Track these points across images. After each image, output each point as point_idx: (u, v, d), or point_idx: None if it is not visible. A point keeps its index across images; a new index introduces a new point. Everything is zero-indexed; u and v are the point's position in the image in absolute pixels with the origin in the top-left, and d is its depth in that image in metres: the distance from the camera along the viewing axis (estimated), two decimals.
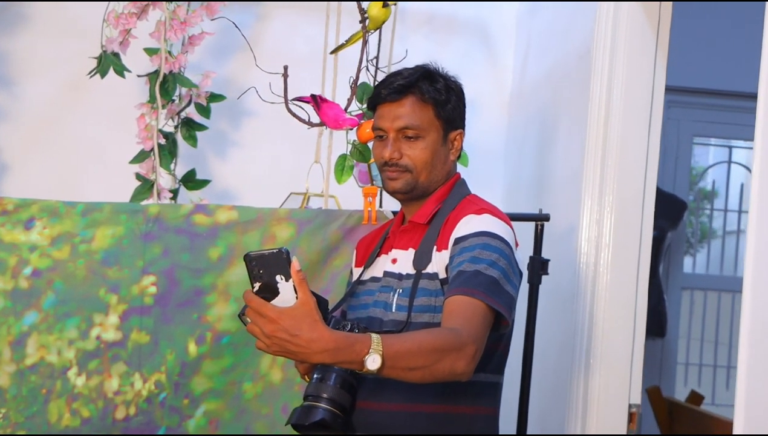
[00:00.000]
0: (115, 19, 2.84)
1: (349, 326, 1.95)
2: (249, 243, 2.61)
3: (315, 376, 1.97)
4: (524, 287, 2.30)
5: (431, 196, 2.17)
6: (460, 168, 2.27)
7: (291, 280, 1.74)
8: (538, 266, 2.72)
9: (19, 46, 3.28)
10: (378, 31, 2.90)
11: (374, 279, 2.20)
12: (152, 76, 2.92)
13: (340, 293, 2.49)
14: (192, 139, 3.03)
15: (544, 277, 2.73)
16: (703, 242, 5.86)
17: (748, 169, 5.70)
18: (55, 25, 3.30)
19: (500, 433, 2.18)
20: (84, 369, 2.56)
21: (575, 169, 2.96)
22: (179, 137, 3.02)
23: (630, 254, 2.83)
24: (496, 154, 3.61)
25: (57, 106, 3.34)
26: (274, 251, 1.74)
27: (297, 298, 1.74)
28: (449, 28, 3.59)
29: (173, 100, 2.97)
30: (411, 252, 2.14)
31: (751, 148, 5.71)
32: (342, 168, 2.82)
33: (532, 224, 2.76)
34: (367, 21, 2.83)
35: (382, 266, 2.20)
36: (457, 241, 2.05)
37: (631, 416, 2.81)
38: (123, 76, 2.92)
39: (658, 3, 2.84)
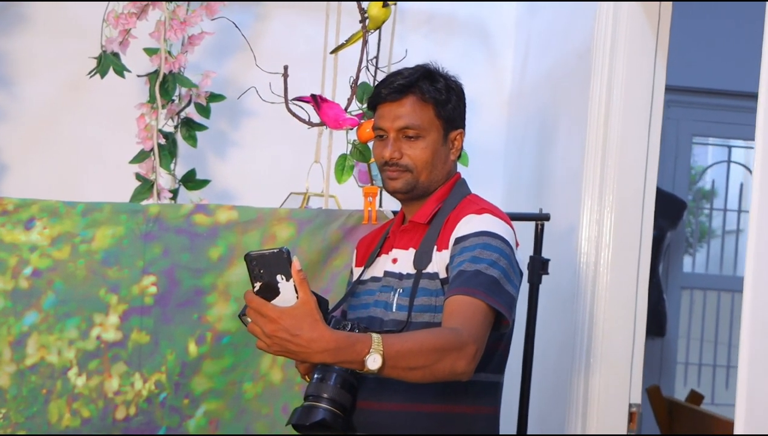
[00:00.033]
0: (114, 19, 2.84)
1: (349, 326, 1.95)
2: (249, 243, 2.61)
3: (315, 376, 1.97)
4: (524, 287, 2.30)
5: (431, 196, 2.17)
6: (460, 168, 2.27)
7: (291, 279, 1.74)
8: (539, 265, 2.72)
9: (19, 46, 3.28)
10: (378, 30, 2.90)
11: (374, 279, 2.20)
12: (152, 76, 2.92)
13: (340, 293, 2.49)
14: (192, 139, 3.03)
15: (544, 277, 2.73)
16: (703, 242, 5.86)
17: (748, 169, 5.70)
18: (55, 25, 3.30)
19: (500, 433, 2.18)
20: (84, 369, 2.56)
21: (575, 169, 2.96)
22: (179, 137, 3.03)
23: (630, 253, 2.83)
24: (496, 154, 3.61)
25: (57, 106, 3.34)
26: (275, 250, 1.74)
27: (298, 297, 1.74)
28: (449, 27, 3.59)
29: (173, 100, 2.97)
30: (411, 252, 2.14)
31: (751, 147, 5.72)
32: (342, 168, 2.82)
33: (532, 224, 2.76)
34: (367, 21, 2.83)
35: (382, 265, 2.20)
36: (458, 240, 2.05)
37: (631, 415, 2.82)
38: (123, 76, 2.92)
39: (657, 3, 2.84)
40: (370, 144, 2.67)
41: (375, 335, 1.78)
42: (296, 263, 1.74)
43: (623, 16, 2.82)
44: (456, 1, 3.55)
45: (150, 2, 2.85)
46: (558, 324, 2.99)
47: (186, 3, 2.89)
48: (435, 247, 2.10)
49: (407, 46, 3.02)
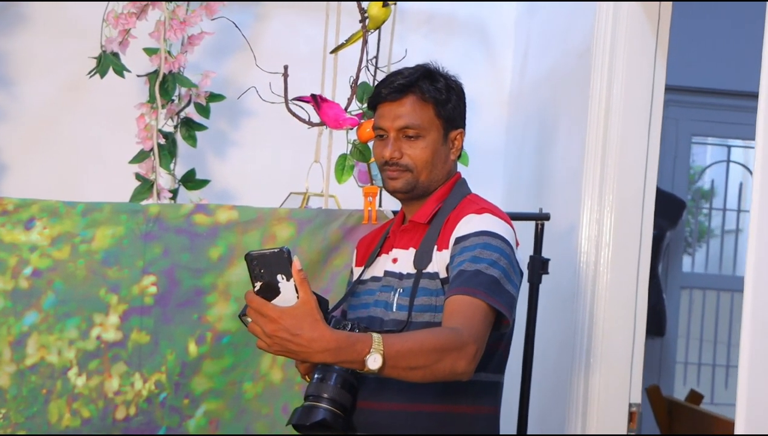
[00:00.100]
0: (114, 19, 2.84)
1: (349, 326, 1.95)
2: (249, 243, 2.61)
3: (316, 376, 1.97)
4: (524, 287, 2.30)
5: (432, 196, 2.17)
6: (460, 167, 2.27)
7: (292, 279, 1.74)
8: (539, 265, 2.72)
9: (19, 46, 3.28)
10: (377, 30, 2.90)
11: (375, 279, 2.20)
12: (152, 76, 2.92)
13: (340, 293, 2.49)
14: (191, 139, 3.03)
15: (544, 276, 2.73)
16: (702, 242, 5.86)
17: (747, 169, 5.70)
18: (55, 25, 3.30)
19: (500, 433, 2.18)
20: (84, 369, 2.55)
21: (575, 169, 2.97)
22: (179, 137, 3.02)
23: (630, 253, 2.83)
24: (496, 153, 3.61)
25: (56, 106, 3.34)
26: (275, 250, 1.74)
27: (298, 297, 1.74)
28: (448, 27, 3.59)
29: (173, 100, 2.97)
30: (411, 252, 2.14)
31: (749, 147, 5.73)
32: (342, 168, 2.82)
33: (532, 224, 2.76)
34: (367, 20, 2.83)
35: (382, 265, 2.20)
36: (458, 240, 2.05)
37: (631, 415, 2.82)
38: (122, 76, 2.92)
39: (657, 2, 2.84)
40: (370, 144, 2.67)
41: (375, 335, 1.78)
42: (297, 263, 1.74)
43: (623, 16, 2.82)
44: (456, 1, 3.55)
45: (150, 2, 2.85)
46: (558, 324, 2.99)
47: (186, 3, 2.89)
48: (435, 246, 2.10)
49: (407, 46, 3.02)
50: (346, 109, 2.82)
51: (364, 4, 2.84)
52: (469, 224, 2.06)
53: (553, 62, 3.30)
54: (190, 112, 3.03)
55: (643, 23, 2.83)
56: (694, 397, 4.26)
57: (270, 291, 1.74)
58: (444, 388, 2.02)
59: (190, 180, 3.04)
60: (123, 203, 2.68)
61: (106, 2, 2.85)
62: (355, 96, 2.85)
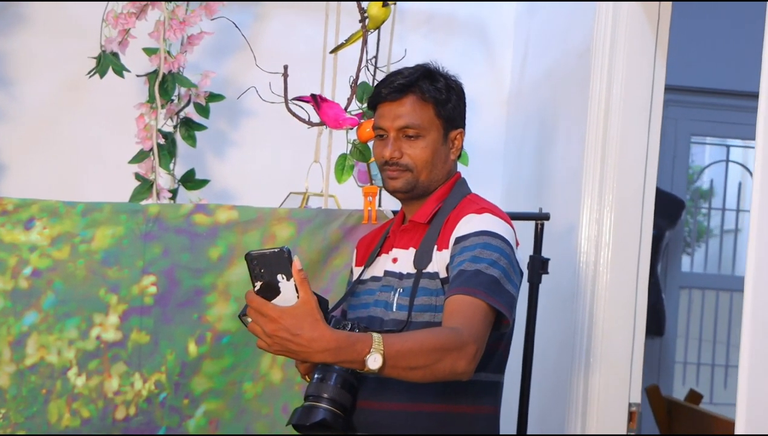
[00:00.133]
0: (114, 19, 2.84)
1: (349, 326, 1.95)
2: (249, 243, 2.61)
3: (316, 376, 1.97)
4: (524, 287, 2.30)
5: (432, 196, 2.17)
6: (460, 167, 2.27)
7: (292, 279, 1.74)
8: (538, 265, 2.72)
9: (18, 46, 3.28)
10: (377, 30, 2.90)
11: (375, 278, 2.20)
12: (151, 76, 2.92)
13: (340, 293, 2.49)
14: (191, 139, 3.03)
15: (544, 276, 2.73)
16: (701, 241, 5.86)
17: (746, 168, 5.71)
18: (54, 25, 3.30)
19: (500, 433, 2.18)
20: (84, 369, 2.55)
21: (575, 168, 2.97)
22: (178, 137, 3.02)
23: (630, 252, 2.83)
24: (495, 153, 3.62)
25: (56, 106, 3.34)
26: (276, 250, 1.74)
27: (298, 297, 1.74)
28: (448, 27, 3.59)
29: (172, 100, 2.97)
30: (411, 251, 2.14)
31: (748, 147, 5.73)
32: (342, 168, 2.82)
33: (531, 223, 2.76)
34: (367, 20, 2.83)
35: (382, 265, 2.20)
36: (458, 240, 2.05)
37: (631, 415, 2.82)
38: (122, 76, 2.92)
39: (657, 2, 2.84)
40: (370, 144, 2.67)
41: (375, 335, 1.78)
42: (297, 263, 1.74)
43: (623, 16, 2.82)
44: (455, 0, 3.55)
45: (149, 2, 2.85)
46: (558, 324, 2.99)
47: (185, 3, 2.89)
48: (435, 246, 2.10)
49: (407, 45, 3.02)
50: (345, 109, 2.82)
51: (364, 4, 2.84)
52: (469, 224, 2.06)
53: (552, 62, 3.30)
54: (190, 112, 3.03)
55: (642, 23, 2.84)
56: (694, 397, 4.26)
57: (270, 291, 1.74)
58: (444, 388, 2.02)
59: (190, 180, 3.04)
60: (123, 203, 2.68)
61: (105, 2, 2.85)
62: (354, 96, 2.85)
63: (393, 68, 2.62)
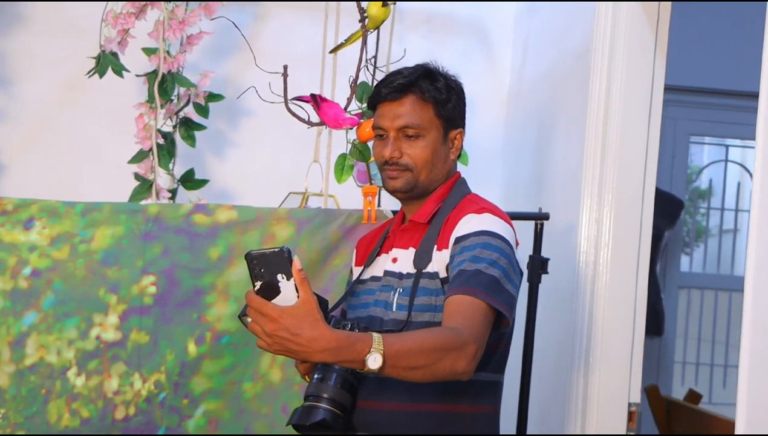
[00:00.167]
0: (113, 18, 2.84)
1: (349, 326, 1.95)
2: (249, 243, 2.61)
3: (315, 376, 1.97)
4: (524, 286, 2.30)
5: (431, 196, 2.17)
6: (459, 167, 2.27)
7: (292, 279, 1.74)
8: (538, 264, 2.72)
9: (18, 46, 3.28)
10: (377, 30, 2.90)
11: (374, 278, 2.20)
12: (151, 75, 2.92)
13: (339, 293, 2.49)
14: (190, 139, 3.03)
15: (543, 276, 2.73)
16: (700, 241, 5.87)
17: (745, 168, 5.71)
18: (54, 25, 3.30)
19: (500, 432, 2.18)
20: (83, 369, 2.55)
21: (574, 168, 2.97)
22: (178, 137, 3.02)
23: (629, 252, 2.83)
24: (495, 153, 3.62)
25: (55, 106, 3.34)
26: (276, 249, 1.74)
27: (298, 297, 1.74)
28: (447, 27, 3.60)
29: (172, 100, 2.97)
30: (411, 251, 2.14)
31: (747, 147, 5.73)
32: (342, 167, 2.82)
33: (531, 223, 2.76)
34: (367, 20, 2.83)
35: (382, 265, 2.20)
36: (458, 240, 2.05)
37: (630, 414, 2.82)
38: (121, 75, 2.92)
39: (657, 2, 2.84)
40: (370, 143, 2.67)
41: (375, 335, 1.78)
42: (297, 263, 1.74)
43: (622, 16, 2.82)
44: (455, 0, 3.55)
45: (148, 2, 2.85)
46: (557, 323, 2.99)
47: (184, 3, 2.89)
48: (435, 246, 2.10)
49: (406, 45, 3.02)
50: (345, 108, 2.82)
51: (364, 4, 2.84)
52: (468, 224, 2.06)
53: (552, 62, 3.30)
54: (189, 112, 3.03)
55: (642, 23, 2.84)
56: (693, 396, 4.26)
57: (270, 291, 1.74)
58: (444, 387, 2.01)
59: (189, 180, 3.04)
60: (122, 203, 2.68)
61: (105, 2, 2.84)
62: (354, 96, 2.85)
63: (392, 68, 2.62)
